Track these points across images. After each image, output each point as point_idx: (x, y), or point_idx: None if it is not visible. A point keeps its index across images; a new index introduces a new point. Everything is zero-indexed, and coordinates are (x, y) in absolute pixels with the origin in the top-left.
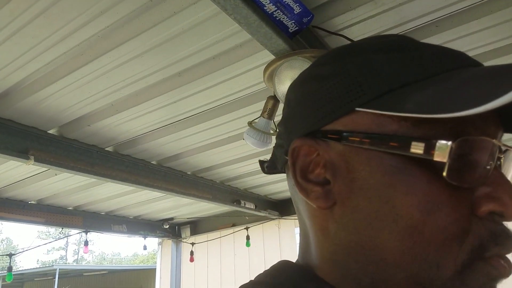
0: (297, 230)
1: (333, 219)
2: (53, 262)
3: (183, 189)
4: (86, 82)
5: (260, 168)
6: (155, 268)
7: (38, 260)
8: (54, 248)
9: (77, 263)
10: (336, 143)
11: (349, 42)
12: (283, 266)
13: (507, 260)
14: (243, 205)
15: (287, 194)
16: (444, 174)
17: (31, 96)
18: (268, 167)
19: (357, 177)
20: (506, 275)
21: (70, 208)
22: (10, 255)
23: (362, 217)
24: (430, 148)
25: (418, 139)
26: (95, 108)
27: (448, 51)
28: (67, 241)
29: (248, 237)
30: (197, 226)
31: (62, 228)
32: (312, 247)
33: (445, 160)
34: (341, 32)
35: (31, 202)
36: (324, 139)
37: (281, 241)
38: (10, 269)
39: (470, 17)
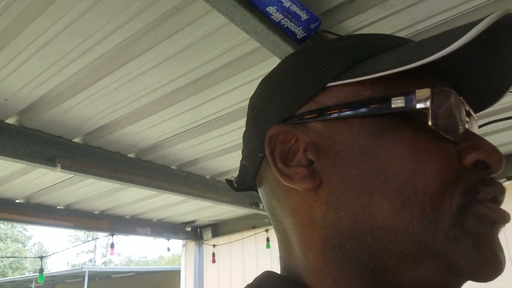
0: None
1: (320, 202)
2: (82, 265)
3: (203, 193)
4: (107, 92)
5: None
6: (180, 269)
7: (68, 262)
8: (83, 251)
9: (105, 265)
10: (314, 122)
11: None
12: (265, 279)
13: (500, 207)
14: (262, 208)
15: None
16: (429, 122)
17: (56, 107)
18: (238, 182)
19: (341, 148)
20: (504, 219)
21: (96, 212)
22: (41, 258)
23: (352, 187)
24: (411, 99)
25: (397, 95)
26: (116, 117)
27: (393, 35)
28: (95, 244)
29: (268, 239)
30: (218, 228)
31: (90, 232)
32: (297, 250)
33: (428, 105)
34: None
35: (60, 207)
36: (300, 122)
37: None
38: (41, 270)
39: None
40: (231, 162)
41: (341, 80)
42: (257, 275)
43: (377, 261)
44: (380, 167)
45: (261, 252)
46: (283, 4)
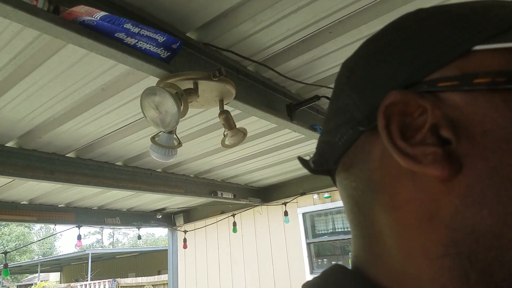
0: (299, 213)
1: (453, 195)
2: (89, 246)
3: (152, 186)
4: (33, 92)
5: (235, 159)
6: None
7: (75, 244)
8: (90, 232)
9: (112, 246)
10: (451, 93)
11: (239, 57)
12: (336, 275)
13: None
14: (220, 196)
15: (268, 181)
16: None
17: None
18: (316, 162)
19: (493, 128)
20: None
21: (61, 205)
22: (5, 253)
23: (506, 179)
24: None
25: None
26: (47, 117)
27: None
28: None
29: (234, 224)
30: (190, 214)
31: (55, 225)
32: (393, 253)
33: None
34: (231, 48)
35: (23, 202)
36: (431, 91)
37: (270, 224)
38: (6, 265)
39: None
40: (184, 152)
41: (496, 42)
42: (326, 272)
43: None
44: None
45: (232, 236)
46: (131, 31)
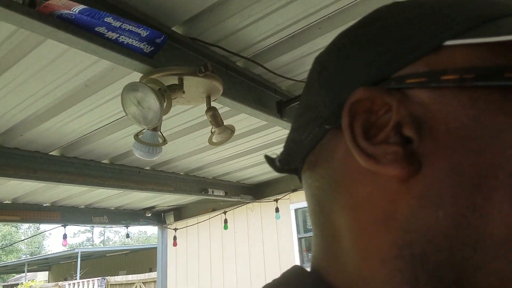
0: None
1: (410, 195)
2: (79, 245)
3: (140, 185)
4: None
5: (226, 156)
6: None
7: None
8: (80, 231)
9: (103, 244)
10: (418, 90)
11: (227, 52)
12: (295, 277)
13: None
14: (211, 193)
15: (260, 178)
16: None
17: None
18: (282, 161)
19: (457, 126)
20: None
21: (46, 204)
22: None
23: (464, 180)
24: None
25: None
26: (28, 114)
27: None
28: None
29: (226, 221)
30: (181, 212)
31: (40, 224)
32: (349, 254)
33: None
34: (219, 43)
35: (6, 201)
36: (398, 88)
37: (262, 221)
38: None
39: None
40: (173, 149)
41: (468, 38)
42: (285, 271)
43: (466, 282)
44: (509, 158)
45: (225, 233)
46: (112, 25)
